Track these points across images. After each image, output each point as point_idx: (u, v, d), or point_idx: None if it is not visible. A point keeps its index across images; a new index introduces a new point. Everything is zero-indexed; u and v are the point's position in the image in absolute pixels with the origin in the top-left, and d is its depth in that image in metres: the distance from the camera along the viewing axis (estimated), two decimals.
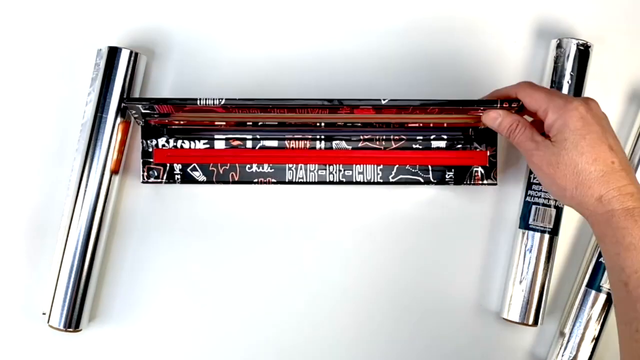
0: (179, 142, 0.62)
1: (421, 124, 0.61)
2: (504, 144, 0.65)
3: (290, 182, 0.62)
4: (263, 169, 0.62)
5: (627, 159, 0.53)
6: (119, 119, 0.61)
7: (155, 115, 0.58)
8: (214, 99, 0.55)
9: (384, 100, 0.55)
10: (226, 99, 0.55)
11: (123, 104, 0.60)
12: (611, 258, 0.52)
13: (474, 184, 0.63)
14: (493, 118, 0.57)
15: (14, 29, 0.65)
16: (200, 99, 0.55)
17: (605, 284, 0.62)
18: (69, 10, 0.65)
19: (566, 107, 0.53)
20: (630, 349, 0.50)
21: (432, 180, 0.63)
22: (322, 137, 0.62)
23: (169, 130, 0.62)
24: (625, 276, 0.50)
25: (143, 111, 0.57)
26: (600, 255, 0.63)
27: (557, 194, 0.55)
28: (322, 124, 0.61)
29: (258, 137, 0.62)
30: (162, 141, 0.62)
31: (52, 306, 0.61)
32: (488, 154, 0.63)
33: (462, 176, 0.63)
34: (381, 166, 0.62)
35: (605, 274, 0.62)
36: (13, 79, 0.64)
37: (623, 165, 0.52)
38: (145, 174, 0.62)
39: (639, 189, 0.52)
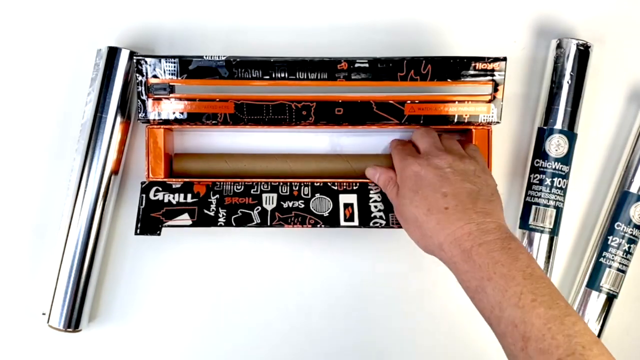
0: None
1: None
2: (502, 142, 0.65)
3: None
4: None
5: (469, 199, 0.53)
6: (119, 119, 0.61)
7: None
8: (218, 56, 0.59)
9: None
10: (228, 56, 0.59)
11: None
12: (473, 303, 0.51)
13: None
14: (372, 174, 0.61)
15: (14, 29, 0.64)
16: (205, 56, 0.59)
17: (605, 284, 0.62)
18: (69, 11, 0.65)
19: (402, 168, 0.57)
20: None
21: None
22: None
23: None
24: (486, 317, 0.50)
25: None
26: (600, 255, 0.63)
27: (418, 245, 0.56)
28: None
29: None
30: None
31: (52, 306, 0.61)
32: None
33: None
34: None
35: (606, 273, 0.62)
36: (13, 79, 0.64)
37: (459, 208, 0.52)
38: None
39: (478, 226, 0.51)
